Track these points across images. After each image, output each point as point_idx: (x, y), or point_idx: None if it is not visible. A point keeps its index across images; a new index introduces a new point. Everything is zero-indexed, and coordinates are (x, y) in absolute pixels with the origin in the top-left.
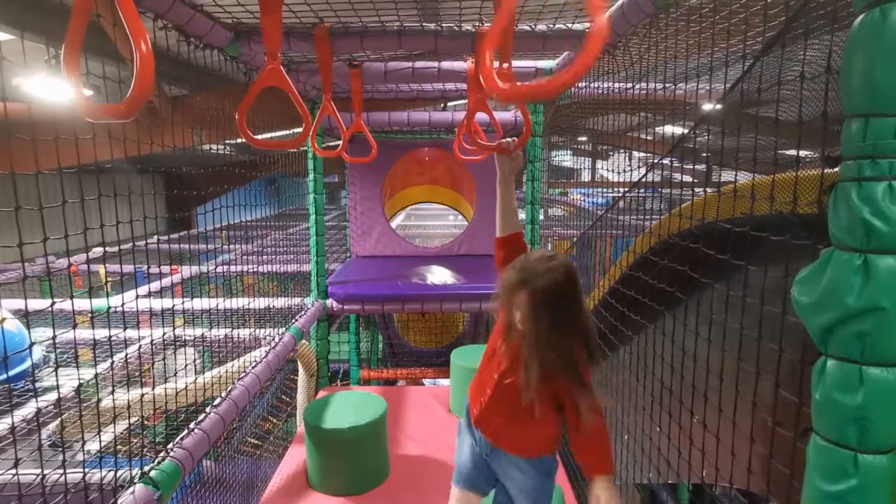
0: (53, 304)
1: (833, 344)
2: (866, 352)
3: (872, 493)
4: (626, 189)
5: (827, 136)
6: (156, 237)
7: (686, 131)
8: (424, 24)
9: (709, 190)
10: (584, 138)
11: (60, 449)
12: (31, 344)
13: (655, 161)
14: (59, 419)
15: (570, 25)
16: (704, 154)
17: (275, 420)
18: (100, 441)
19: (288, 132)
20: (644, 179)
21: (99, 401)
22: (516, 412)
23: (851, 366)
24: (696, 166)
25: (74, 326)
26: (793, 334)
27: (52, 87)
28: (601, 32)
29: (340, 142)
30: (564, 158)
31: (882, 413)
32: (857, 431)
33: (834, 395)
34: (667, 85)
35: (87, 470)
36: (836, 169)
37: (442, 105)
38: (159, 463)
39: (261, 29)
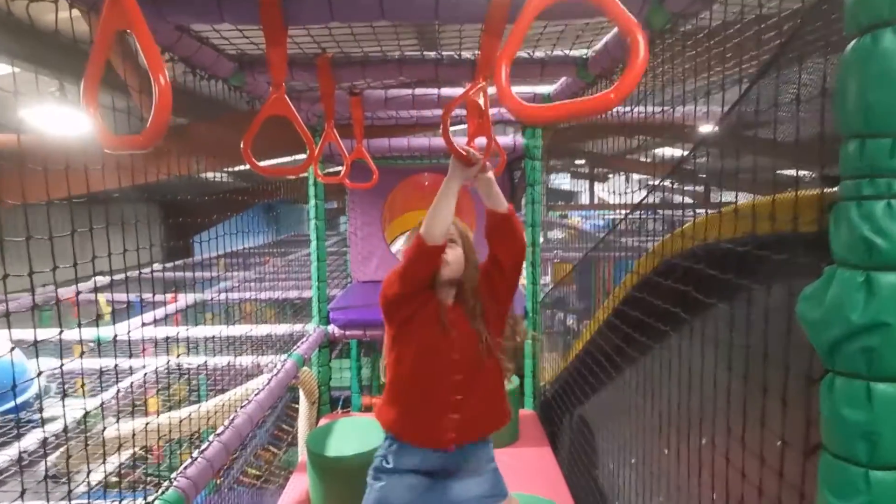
0: (36, 337)
1: (839, 360)
2: (873, 367)
3: None
4: (628, 212)
5: (825, 156)
6: (153, 266)
7: (684, 153)
8: (425, 52)
9: (709, 210)
10: (581, 161)
11: (61, 481)
12: (35, 374)
13: (656, 184)
14: (57, 451)
15: (567, 52)
16: (703, 175)
17: (275, 450)
18: (105, 471)
19: (288, 159)
20: (644, 201)
21: (103, 429)
22: (484, 378)
23: (858, 382)
24: (695, 188)
25: (82, 355)
26: (799, 352)
27: (59, 118)
28: (643, 45)
29: (339, 167)
30: (563, 181)
31: (891, 429)
32: (866, 447)
33: (842, 412)
34: (664, 108)
35: (92, 501)
36: (836, 189)
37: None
38: (163, 493)
39: (264, 60)
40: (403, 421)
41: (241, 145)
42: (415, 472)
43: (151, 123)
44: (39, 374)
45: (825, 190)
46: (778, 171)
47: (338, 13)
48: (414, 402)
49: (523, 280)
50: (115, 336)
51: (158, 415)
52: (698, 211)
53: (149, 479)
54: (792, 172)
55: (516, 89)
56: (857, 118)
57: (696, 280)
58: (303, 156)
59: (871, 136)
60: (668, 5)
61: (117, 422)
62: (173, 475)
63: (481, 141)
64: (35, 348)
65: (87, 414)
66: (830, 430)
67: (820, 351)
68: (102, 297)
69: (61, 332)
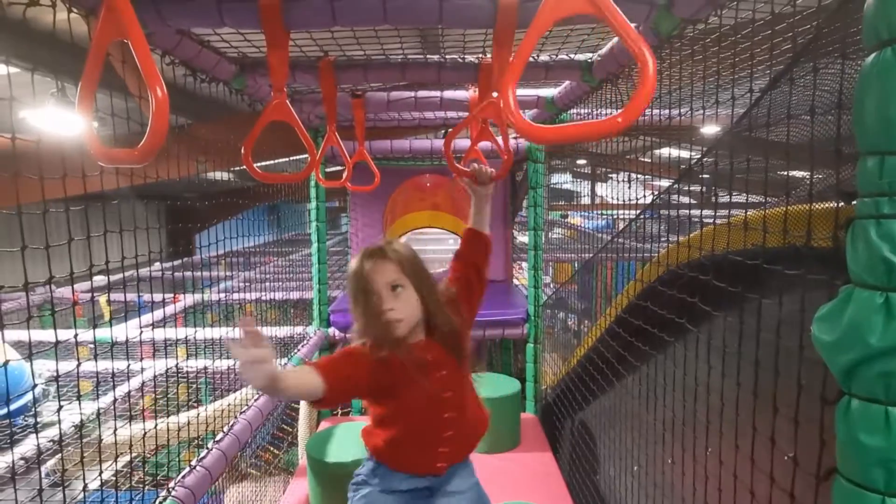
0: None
1: (857, 384)
2: (892, 392)
3: None
4: (636, 216)
5: (840, 166)
6: (152, 265)
7: (692, 157)
8: (428, 55)
9: (717, 218)
10: (583, 161)
11: (61, 487)
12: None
13: (665, 189)
14: (58, 456)
15: (572, 56)
16: (710, 180)
17: (275, 451)
18: (101, 479)
19: (287, 159)
20: (650, 206)
21: (100, 439)
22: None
23: (877, 406)
24: (702, 194)
25: (78, 364)
26: (810, 369)
27: (59, 120)
28: (652, 80)
29: (341, 167)
30: (565, 182)
31: None
32: (884, 475)
33: (859, 437)
34: (671, 112)
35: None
36: (853, 203)
37: (443, 132)
38: (161, 503)
39: (265, 63)
40: (393, 453)
41: (242, 150)
42: (399, 493)
43: (148, 137)
44: (56, 377)
45: (840, 205)
46: (791, 179)
47: (340, 17)
48: (405, 443)
49: (524, 281)
50: (128, 338)
51: (156, 419)
52: (707, 214)
53: (147, 478)
54: (805, 183)
55: (519, 92)
56: (877, 134)
57: (701, 290)
58: (305, 155)
59: (892, 153)
60: (676, 10)
61: (123, 426)
62: (171, 484)
63: (485, 144)
64: (56, 350)
65: (99, 414)
66: (846, 455)
67: (836, 373)
68: (103, 298)
69: (57, 341)
